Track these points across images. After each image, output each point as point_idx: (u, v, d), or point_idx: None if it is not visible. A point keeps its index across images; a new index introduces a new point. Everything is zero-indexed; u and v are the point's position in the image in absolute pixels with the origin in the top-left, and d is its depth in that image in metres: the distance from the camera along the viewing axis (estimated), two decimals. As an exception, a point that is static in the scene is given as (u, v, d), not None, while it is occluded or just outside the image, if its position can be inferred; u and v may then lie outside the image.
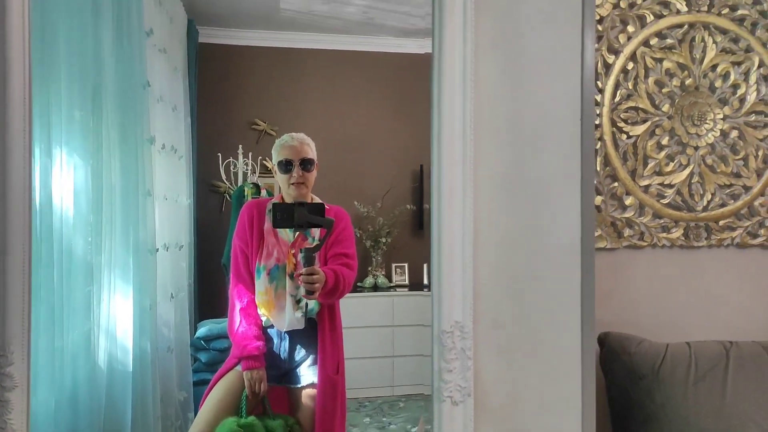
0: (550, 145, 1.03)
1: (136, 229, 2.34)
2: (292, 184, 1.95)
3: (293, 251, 1.94)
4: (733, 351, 1.18)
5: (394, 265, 4.60)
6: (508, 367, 0.99)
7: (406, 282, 4.52)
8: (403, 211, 4.66)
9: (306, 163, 1.96)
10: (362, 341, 4.04)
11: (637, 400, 1.12)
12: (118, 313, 2.16)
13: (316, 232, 1.99)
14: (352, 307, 4.11)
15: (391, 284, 4.47)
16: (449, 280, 0.95)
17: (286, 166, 1.95)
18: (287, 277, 1.92)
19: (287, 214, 1.78)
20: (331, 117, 4.50)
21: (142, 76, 2.43)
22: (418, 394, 4.01)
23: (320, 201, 2.08)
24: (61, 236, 1.68)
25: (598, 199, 1.34)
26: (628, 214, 1.36)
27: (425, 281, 4.45)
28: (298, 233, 1.98)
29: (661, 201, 1.38)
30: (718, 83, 1.41)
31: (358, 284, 4.40)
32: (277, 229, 1.97)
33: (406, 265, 4.61)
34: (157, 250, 2.70)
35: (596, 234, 1.33)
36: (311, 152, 2.00)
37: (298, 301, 1.92)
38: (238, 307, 1.93)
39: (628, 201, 1.36)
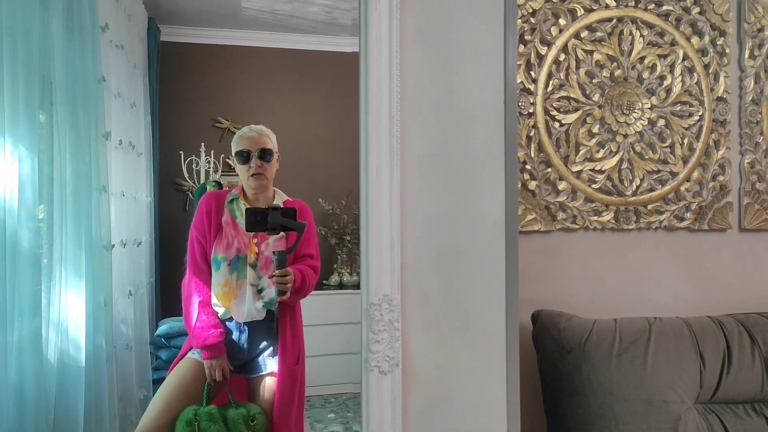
0: (476, 127, 1.07)
1: (89, 225, 2.31)
2: (252, 175, 1.97)
3: (255, 240, 1.96)
4: (656, 326, 1.24)
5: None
6: (435, 339, 1.03)
7: (372, 280, 4.55)
8: (369, 209, 4.71)
9: (264, 154, 1.97)
10: (327, 338, 4.06)
11: (565, 373, 1.17)
12: (70, 309, 2.13)
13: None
14: (317, 304, 4.12)
15: (356, 283, 4.50)
16: (377, 254, 0.99)
17: (244, 156, 1.97)
18: (249, 267, 1.93)
19: (261, 218, 1.80)
20: (295, 115, 4.51)
21: (96, 70, 2.41)
22: (383, 390, 4.04)
23: (285, 196, 2.10)
24: (5, 228, 1.66)
25: (533, 184, 1.40)
26: (562, 198, 1.42)
27: None
28: (260, 223, 2.00)
29: (593, 186, 1.44)
30: (645, 74, 1.48)
31: (324, 282, 4.41)
32: (237, 221, 1.99)
33: (372, 263, 4.64)
34: (113, 246, 2.68)
35: (531, 217, 1.39)
36: (270, 143, 2.02)
37: (259, 291, 1.94)
38: (196, 299, 1.93)
39: (561, 186, 1.42)
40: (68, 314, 2.12)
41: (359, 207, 1.02)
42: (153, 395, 2.83)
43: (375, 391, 0.97)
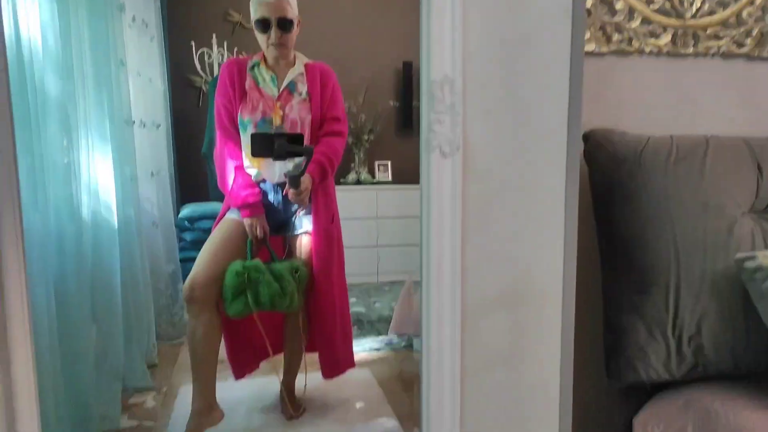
0: None
1: (110, 98, 2.26)
2: (271, 44, 1.89)
3: (279, 103, 1.92)
4: (713, 140, 1.21)
5: (377, 163, 4.58)
6: (496, 128, 1.00)
7: (389, 179, 4.52)
8: (387, 108, 4.59)
9: (284, 24, 1.88)
10: (346, 231, 4.06)
11: (619, 181, 1.15)
12: (99, 178, 2.12)
13: (302, 87, 1.96)
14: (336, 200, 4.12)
15: (374, 180, 4.47)
16: (439, 33, 0.93)
17: (263, 25, 1.88)
18: (274, 129, 1.90)
19: (266, 144, 1.75)
20: (309, 8, 4.31)
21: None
22: (402, 281, 4.13)
23: (306, 59, 2.03)
24: (33, 70, 1.61)
25: (590, 2, 1.32)
26: (618, 18, 1.34)
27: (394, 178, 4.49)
28: (283, 87, 1.95)
29: (651, 6, 1.36)
30: None
31: (341, 180, 4.39)
32: (260, 86, 1.94)
33: (389, 162, 4.59)
34: (134, 122, 2.64)
35: (585, 36, 1.32)
36: (291, 10, 1.91)
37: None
38: (231, 164, 1.92)
39: (619, 5, 1.34)
40: (98, 181, 2.12)
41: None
42: (181, 271, 2.91)
43: (436, 173, 0.95)
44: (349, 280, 4.20)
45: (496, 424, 1.05)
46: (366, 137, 4.43)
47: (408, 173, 4.45)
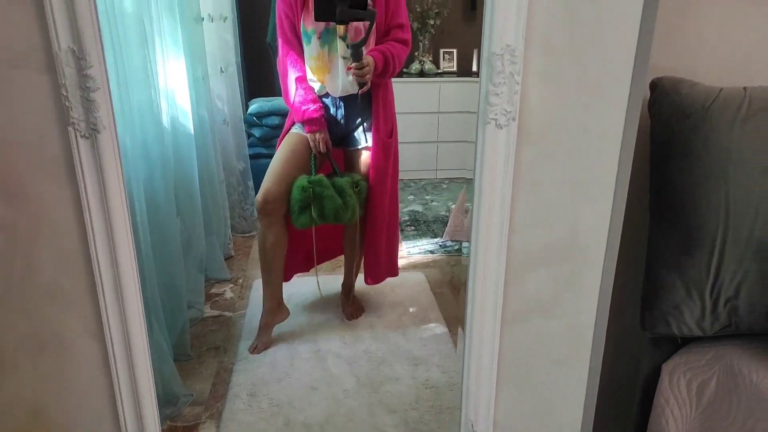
0: None
1: (180, -2, 2.29)
2: None
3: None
4: (792, 95, 1.15)
5: (442, 51, 4.43)
6: (553, 91, 1.01)
7: (455, 69, 4.39)
8: (454, -10, 4.32)
9: None
10: (407, 126, 4.09)
11: (681, 135, 1.13)
12: (174, 81, 2.23)
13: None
14: (397, 93, 4.06)
15: (439, 71, 4.36)
16: (504, 1, 0.92)
17: None
18: (338, 40, 1.90)
19: (329, 8, 1.71)
20: None
21: None
22: (461, 178, 4.20)
23: None
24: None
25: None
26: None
27: (474, 68, 4.31)
28: (347, -8, 1.91)
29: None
30: None
31: (404, 70, 4.31)
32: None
33: (455, 51, 4.42)
34: (203, 19, 2.68)
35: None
36: None
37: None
38: (293, 75, 1.96)
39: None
40: (174, 87, 2.23)
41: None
42: (250, 168, 3.11)
43: (490, 144, 0.99)
44: (408, 175, 4.33)
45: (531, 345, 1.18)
46: (432, 22, 4.24)
47: (473, 63, 4.30)
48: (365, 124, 2.04)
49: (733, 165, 1.10)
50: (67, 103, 0.87)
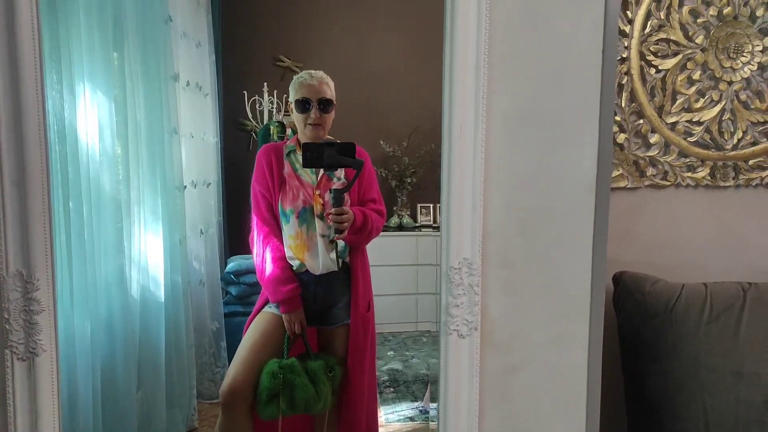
0: (570, 79, 0.99)
1: (163, 167, 2.38)
2: (309, 124, 1.93)
3: (318, 192, 1.94)
4: (750, 292, 1.16)
5: (419, 206, 4.60)
6: (515, 304, 1.00)
7: (432, 222, 4.53)
8: (429, 150, 4.60)
9: (324, 104, 1.91)
10: (387, 279, 4.12)
11: (649, 339, 1.12)
12: (149, 248, 2.24)
13: (340, 173, 1.98)
14: (377, 246, 4.13)
15: (417, 224, 4.49)
16: (459, 217, 0.95)
17: (303, 105, 1.91)
18: (316, 219, 1.92)
19: (317, 154, 1.76)
20: (356, 53, 4.38)
21: (164, 10, 2.40)
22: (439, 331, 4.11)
23: (351, 142, 2.05)
24: (89, 172, 1.73)
25: (621, 137, 1.30)
26: (653, 152, 1.32)
27: (436, 221, 4.46)
28: (322, 174, 1.97)
29: (689, 139, 1.32)
30: (759, 11, 1.31)
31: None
32: (298, 173, 1.97)
33: (431, 205, 4.60)
34: (185, 187, 2.77)
35: (617, 173, 1.30)
36: (330, 92, 1.95)
37: (331, 242, 1.93)
38: (269, 254, 1.94)
39: (653, 139, 1.31)
40: (148, 254, 2.23)
41: (441, 167, 0.97)
42: (224, 327, 3.02)
43: (453, 353, 0.97)
44: (387, 328, 4.23)
45: None
46: (409, 180, 4.46)
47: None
48: (343, 299, 1.99)
49: (704, 371, 1.08)
50: (7, 326, 0.84)
